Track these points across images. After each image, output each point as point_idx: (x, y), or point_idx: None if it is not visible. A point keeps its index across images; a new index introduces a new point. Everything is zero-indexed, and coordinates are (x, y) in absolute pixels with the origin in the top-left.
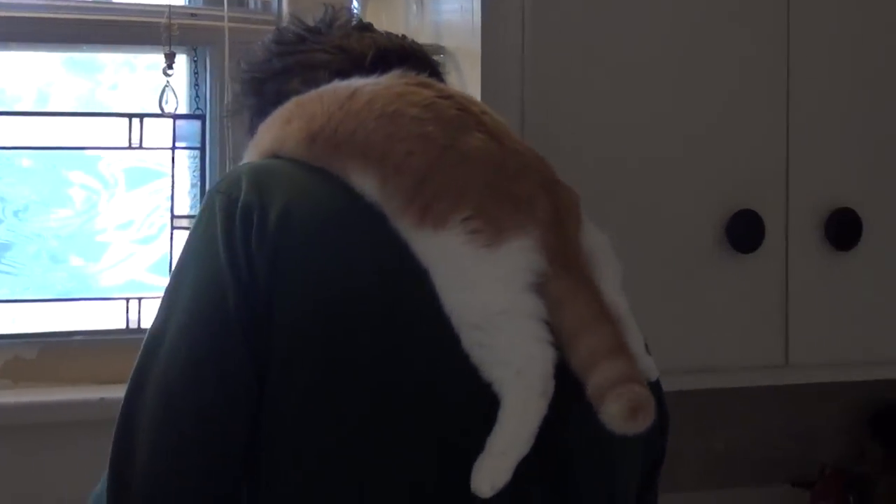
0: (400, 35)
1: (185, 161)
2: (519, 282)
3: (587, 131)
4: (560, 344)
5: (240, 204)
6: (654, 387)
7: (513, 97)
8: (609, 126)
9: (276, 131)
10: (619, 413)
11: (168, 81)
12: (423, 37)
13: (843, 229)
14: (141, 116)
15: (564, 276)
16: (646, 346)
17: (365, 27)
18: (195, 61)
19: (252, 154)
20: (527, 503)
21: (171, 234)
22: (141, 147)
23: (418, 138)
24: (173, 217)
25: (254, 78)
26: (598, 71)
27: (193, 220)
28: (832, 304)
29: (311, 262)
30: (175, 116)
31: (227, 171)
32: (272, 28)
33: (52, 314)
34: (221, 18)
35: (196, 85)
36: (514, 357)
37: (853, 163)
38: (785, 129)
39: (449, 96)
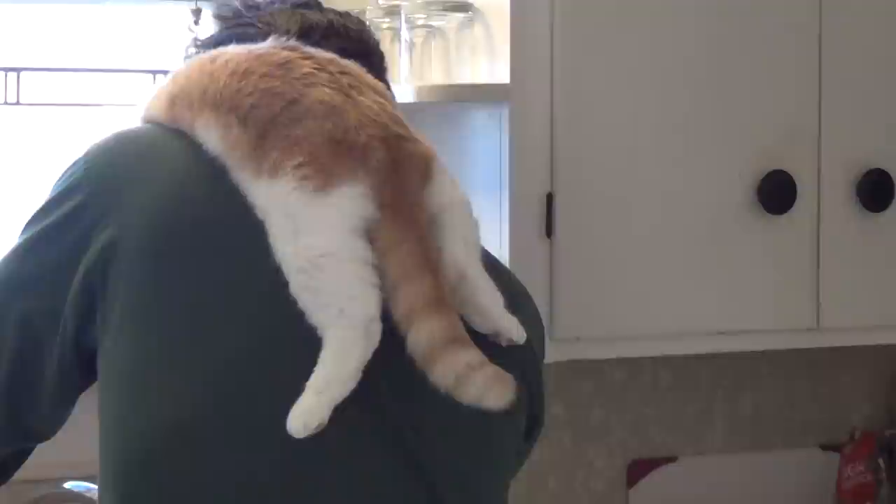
0: (342, 12)
1: None
2: (345, 225)
3: (618, 91)
4: (385, 290)
5: (86, 165)
6: (524, 350)
7: (542, 55)
8: (641, 86)
9: (152, 99)
10: (480, 398)
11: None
12: None
13: (875, 191)
14: (165, 73)
15: (393, 226)
16: (518, 304)
17: (303, 4)
18: None
19: (136, 119)
20: (349, 445)
21: None
22: None
23: (264, 93)
24: None
25: (192, 53)
26: (631, 27)
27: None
28: (864, 266)
29: (140, 216)
30: None
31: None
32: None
33: None
34: None
35: None
36: (336, 298)
37: (886, 123)
38: (817, 88)
39: (309, 57)
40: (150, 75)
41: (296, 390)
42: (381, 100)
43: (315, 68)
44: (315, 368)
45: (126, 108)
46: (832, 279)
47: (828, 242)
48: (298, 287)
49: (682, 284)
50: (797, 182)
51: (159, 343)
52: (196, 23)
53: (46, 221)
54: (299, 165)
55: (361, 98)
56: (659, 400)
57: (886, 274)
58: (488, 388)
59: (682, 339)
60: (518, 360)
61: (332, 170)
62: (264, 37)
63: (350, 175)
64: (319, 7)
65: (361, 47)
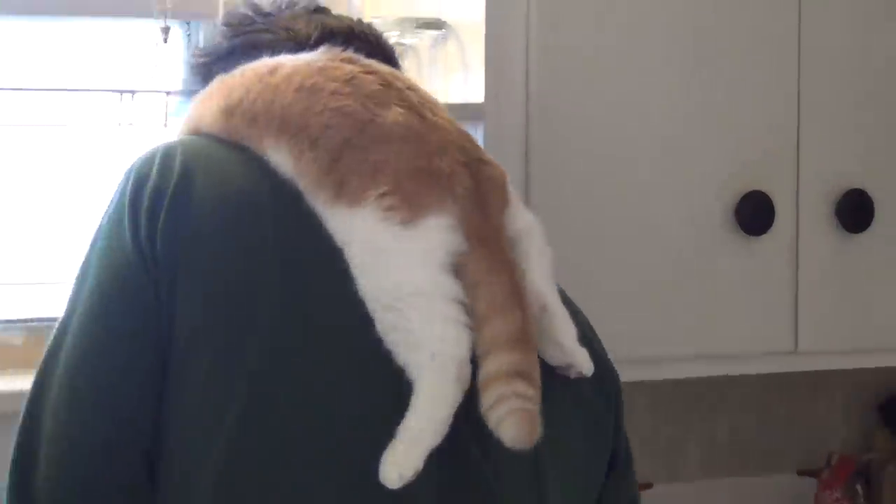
0: (355, 19)
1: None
2: (435, 261)
3: (594, 109)
4: (474, 327)
5: (149, 185)
6: (597, 385)
7: (517, 72)
8: (617, 103)
9: (197, 109)
10: (507, 433)
11: (161, 55)
12: (424, 11)
13: (855, 211)
14: (133, 92)
15: (483, 257)
16: (587, 336)
17: (318, 10)
18: (188, 35)
19: (178, 132)
20: (439, 495)
21: None
22: (132, 124)
23: (336, 112)
24: None
25: (203, 63)
26: (607, 45)
27: (114, 192)
28: (843, 288)
29: (214, 247)
30: (168, 92)
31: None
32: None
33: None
34: None
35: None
36: (427, 340)
37: (865, 143)
38: (796, 107)
39: (373, 71)
40: (118, 94)
41: (386, 434)
42: (450, 117)
43: (381, 84)
44: (407, 414)
45: (93, 128)
46: (811, 302)
47: (807, 264)
48: (386, 326)
49: (659, 308)
50: (775, 203)
51: (241, 383)
52: (164, 41)
53: (107, 248)
54: (384, 195)
55: (435, 118)
56: (634, 425)
57: (866, 296)
58: (508, 418)
59: (659, 365)
60: (610, 393)
61: (420, 200)
62: (284, 43)
63: (438, 206)
64: (326, 10)
65: (384, 53)
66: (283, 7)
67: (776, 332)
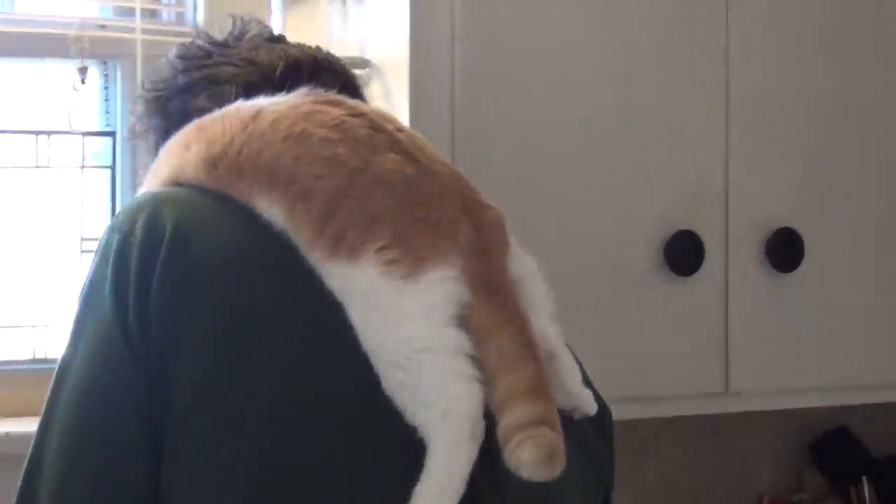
0: (314, 46)
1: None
2: (441, 315)
3: (520, 146)
4: (485, 381)
5: (136, 247)
6: (596, 421)
7: (442, 111)
8: (543, 142)
9: (174, 158)
10: (528, 459)
11: (77, 97)
12: (347, 50)
13: (784, 250)
14: (48, 133)
15: (490, 308)
16: (586, 377)
17: (276, 39)
18: (106, 75)
19: (152, 182)
20: None
21: (81, 258)
22: (48, 166)
23: (327, 161)
24: (82, 240)
25: (157, 97)
26: (532, 84)
27: (93, 259)
28: (774, 328)
29: (210, 310)
30: (84, 133)
31: (128, 200)
32: (188, 41)
33: None
34: (133, 30)
35: (107, 100)
36: (438, 397)
37: (795, 180)
38: (724, 146)
39: (360, 114)
40: (33, 136)
41: (401, 498)
42: (441, 158)
43: (371, 128)
44: (422, 476)
45: (8, 170)
46: (741, 342)
47: (737, 304)
48: (394, 384)
49: (586, 349)
50: (705, 242)
51: (248, 452)
52: (82, 81)
53: (97, 318)
54: (383, 248)
55: (429, 163)
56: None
57: (796, 336)
58: (528, 449)
59: None
60: (605, 427)
61: (421, 252)
62: (248, 76)
63: (440, 257)
64: (284, 39)
65: (350, 84)
66: (237, 37)
67: (707, 373)
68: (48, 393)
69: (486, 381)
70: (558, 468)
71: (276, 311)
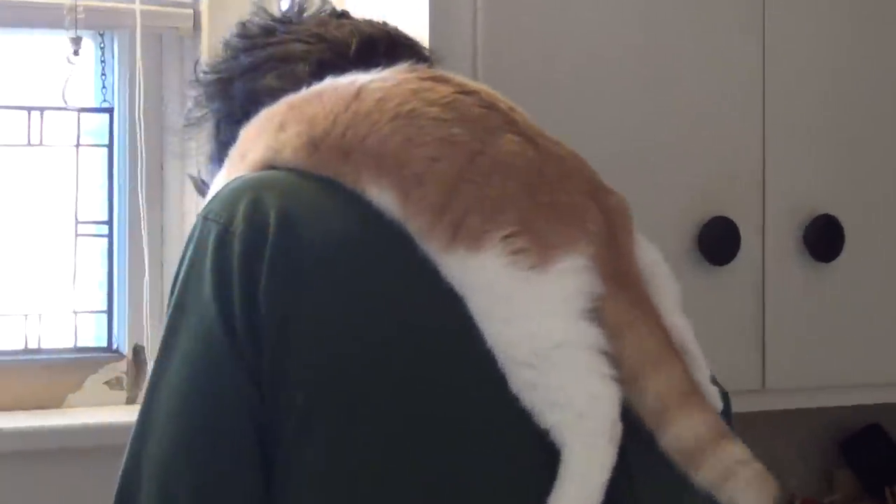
0: (381, 21)
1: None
2: (574, 308)
3: (547, 128)
4: (622, 379)
5: (238, 238)
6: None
7: None
8: (572, 131)
9: (266, 139)
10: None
11: (72, 71)
12: None
13: (824, 238)
14: (41, 109)
15: (622, 300)
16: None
17: (341, 14)
18: (102, 48)
19: (238, 166)
20: None
21: (76, 242)
22: (42, 144)
23: (442, 142)
24: (77, 223)
25: (219, 79)
26: (562, 71)
27: (184, 251)
28: (811, 321)
29: (325, 304)
30: (80, 110)
31: (220, 187)
32: (188, 12)
33: None
34: (132, 0)
35: (103, 75)
36: (573, 398)
37: (834, 166)
38: (761, 129)
39: (471, 91)
40: (25, 112)
41: None
42: (560, 141)
43: (484, 107)
44: (556, 484)
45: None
46: (778, 336)
47: (773, 295)
48: (523, 384)
49: None
50: (740, 229)
51: (370, 455)
52: (76, 53)
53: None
54: (509, 236)
55: (549, 144)
56: None
57: (835, 329)
58: (749, 487)
59: None
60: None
61: (549, 240)
62: (320, 53)
63: (570, 245)
64: (349, 15)
65: (425, 59)
66: (300, 13)
67: (743, 369)
68: (142, 404)
69: (627, 381)
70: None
71: (393, 306)
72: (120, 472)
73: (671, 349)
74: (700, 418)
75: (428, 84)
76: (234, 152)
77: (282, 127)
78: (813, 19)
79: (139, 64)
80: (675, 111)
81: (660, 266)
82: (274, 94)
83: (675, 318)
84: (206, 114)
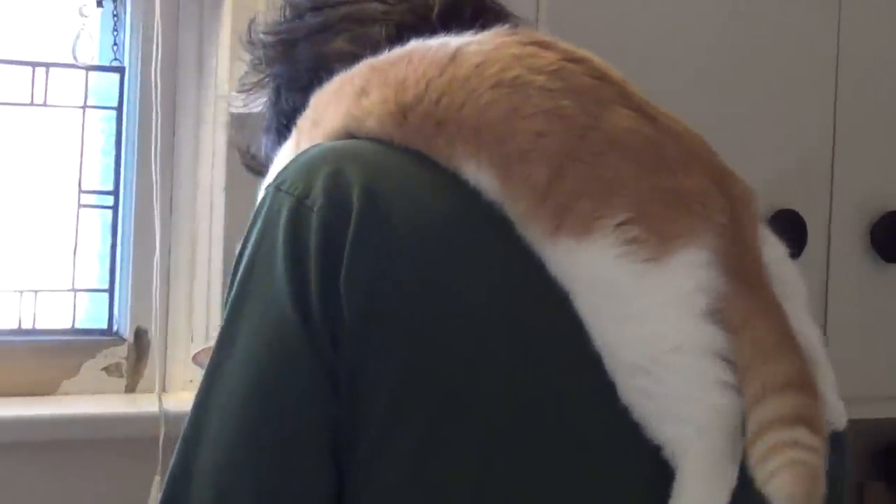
0: None
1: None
2: (694, 307)
3: None
4: (739, 385)
5: (317, 214)
6: (841, 437)
7: None
8: None
9: (347, 105)
10: (769, 477)
11: (84, 25)
12: None
13: (892, 237)
14: (47, 66)
15: (745, 298)
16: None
17: None
18: (115, 2)
19: (311, 135)
20: None
21: (78, 213)
22: (45, 104)
23: (549, 115)
24: (80, 193)
25: (281, 40)
26: (630, 58)
27: (251, 226)
28: (874, 324)
29: (419, 298)
30: (88, 68)
31: (292, 156)
32: None
33: None
34: None
35: (115, 31)
36: (693, 410)
37: None
38: (832, 122)
39: (580, 59)
40: (29, 68)
41: None
42: (679, 119)
43: (594, 77)
44: None
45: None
46: (841, 339)
47: (837, 294)
48: (635, 392)
49: None
50: (807, 223)
51: (466, 467)
52: (99, 4)
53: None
54: (624, 224)
55: (667, 121)
56: None
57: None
58: (783, 472)
59: None
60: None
61: (669, 229)
62: (401, 15)
63: (692, 236)
64: None
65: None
66: None
67: None
68: (197, 396)
69: (740, 382)
70: (815, 500)
71: (492, 299)
72: (165, 481)
73: (790, 345)
74: (792, 401)
75: (531, 49)
76: (305, 121)
77: (364, 92)
78: (892, 6)
79: (157, 19)
80: (744, 98)
81: (786, 264)
82: (345, 59)
83: (802, 323)
84: (264, 79)
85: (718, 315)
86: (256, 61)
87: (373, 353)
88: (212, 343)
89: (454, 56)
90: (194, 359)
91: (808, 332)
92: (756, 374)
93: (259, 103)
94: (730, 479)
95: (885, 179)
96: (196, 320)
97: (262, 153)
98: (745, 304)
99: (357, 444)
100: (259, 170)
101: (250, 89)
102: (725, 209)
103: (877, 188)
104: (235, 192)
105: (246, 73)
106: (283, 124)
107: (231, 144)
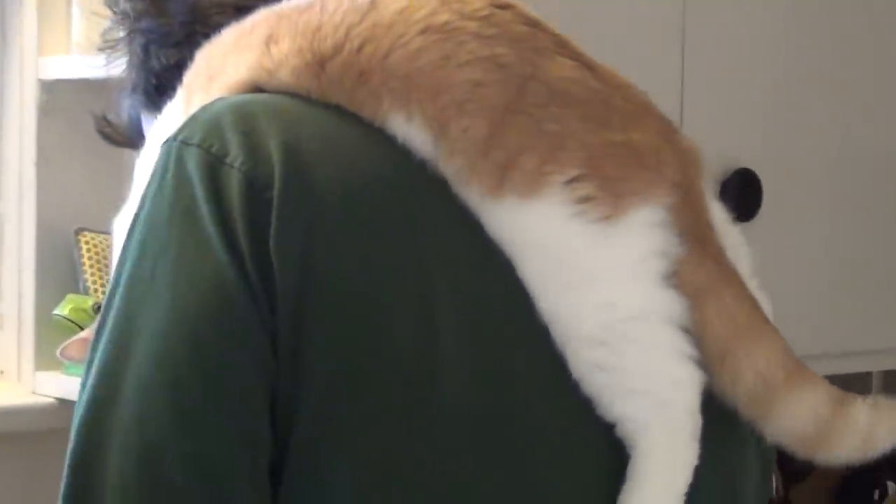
0: None
1: None
2: (651, 272)
3: None
4: (704, 359)
5: (238, 169)
6: None
7: None
8: None
9: (253, 54)
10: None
11: None
12: None
13: (742, 193)
14: None
15: (702, 262)
16: None
17: None
18: None
19: (208, 89)
20: None
21: None
22: None
23: (487, 63)
24: None
25: None
26: None
27: (148, 187)
28: None
29: (350, 268)
30: None
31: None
32: None
33: None
34: None
35: None
36: (652, 383)
37: (752, 119)
38: (679, 85)
39: (507, 5)
40: None
41: None
42: (616, 71)
43: (527, 24)
44: (626, 487)
45: None
46: None
47: None
48: (587, 364)
49: None
50: None
51: (396, 461)
52: None
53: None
54: (574, 180)
55: (608, 72)
56: None
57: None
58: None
59: None
60: None
61: (622, 187)
62: None
63: (646, 193)
64: None
65: None
66: None
67: None
68: (98, 376)
69: (709, 360)
70: None
71: (431, 266)
72: (70, 449)
73: (765, 319)
74: (825, 391)
75: None
76: (196, 76)
77: (272, 40)
78: None
79: None
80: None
81: (730, 227)
82: (226, 11)
83: (755, 292)
84: (130, 35)
85: (675, 280)
86: (120, 15)
87: (307, 332)
88: (83, 335)
89: (374, 1)
90: (63, 353)
91: (759, 296)
92: (746, 362)
93: (122, 63)
94: (692, 456)
95: (735, 135)
96: (6, 304)
97: (125, 118)
98: (702, 269)
99: (292, 430)
100: (118, 138)
101: (113, 46)
102: (675, 165)
103: (727, 144)
104: (49, 168)
105: (107, 28)
106: (153, 85)
107: (42, 112)
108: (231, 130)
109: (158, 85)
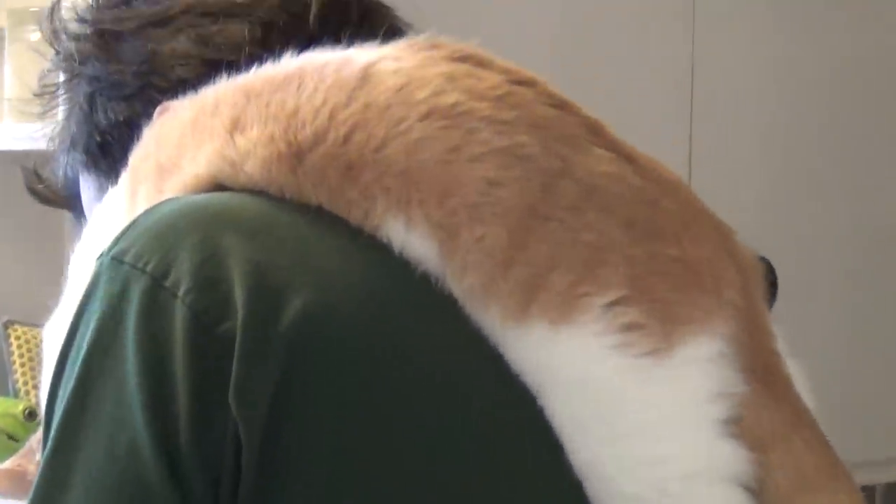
0: None
1: None
2: (709, 418)
3: None
4: None
5: (181, 299)
6: None
7: None
8: None
9: (214, 143)
10: None
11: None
12: None
13: None
14: None
15: (769, 403)
16: None
17: None
18: None
19: (158, 184)
20: None
21: None
22: None
23: (505, 156)
24: None
25: (100, 32)
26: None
27: (80, 312)
28: None
29: (344, 425)
30: None
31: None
32: None
33: None
34: None
35: None
36: None
37: None
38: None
39: (528, 81)
40: None
41: None
42: (657, 161)
43: (553, 105)
44: None
45: None
46: None
47: None
48: None
49: None
50: None
51: None
52: None
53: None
54: (616, 303)
55: (651, 165)
56: None
57: None
58: None
59: None
60: None
61: (674, 312)
62: (268, 13)
63: (704, 321)
64: None
65: (396, 29)
66: None
67: None
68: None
69: None
70: None
71: (441, 411)
72: None
73: (836, 470)
74: None
75: (466, 67)
76: (143, 161)
77: (237, 125)
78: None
79: None
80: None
81: (783, 345)
82: (189, 64)
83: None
84: (74, 81)
85: (737, 427)
86: (62, 55)
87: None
88: (7, 465)
89: (365, 76)
90: None
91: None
92: None
93: (60, 112)
94: None
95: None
96: None
97: (61, 175)
98: (769, 412)
99: None
100: (50, 197)
101: (52, 93)
102: (738, 286)
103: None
104: None
105: (48, 70)
106: (96, 142)
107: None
108: (180, 245)
109: (103, 143)
